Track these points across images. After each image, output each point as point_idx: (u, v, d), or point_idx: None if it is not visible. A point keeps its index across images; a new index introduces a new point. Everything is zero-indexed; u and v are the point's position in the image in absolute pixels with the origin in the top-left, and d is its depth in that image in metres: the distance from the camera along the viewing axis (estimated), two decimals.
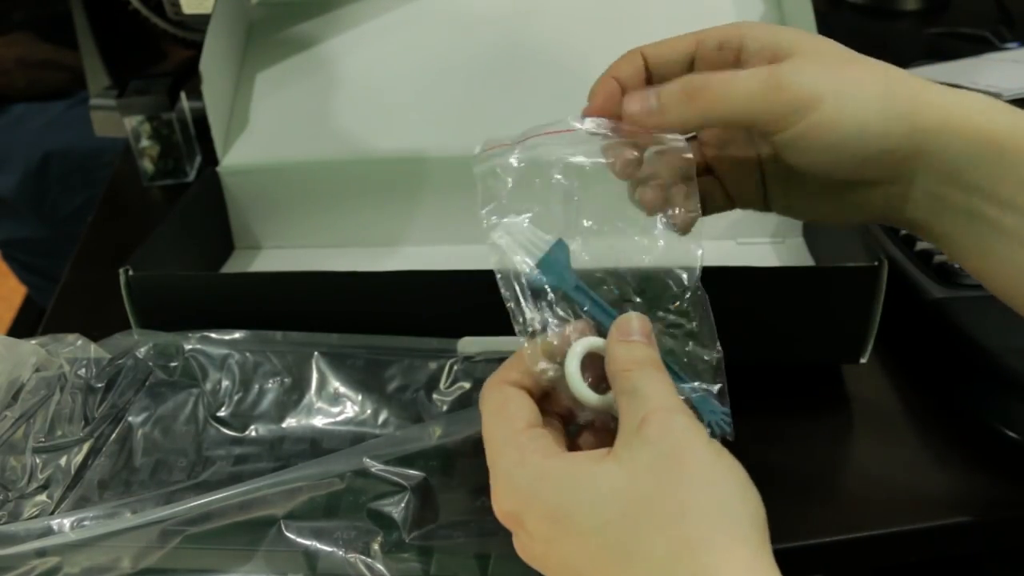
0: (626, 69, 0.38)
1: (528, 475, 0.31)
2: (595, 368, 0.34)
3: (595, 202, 0.37)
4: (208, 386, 0.47)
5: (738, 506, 0.29)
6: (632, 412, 0.31)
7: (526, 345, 0.34)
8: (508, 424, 0.33)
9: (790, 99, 0.34)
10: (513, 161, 0.36)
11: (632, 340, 0.33)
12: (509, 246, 0.35)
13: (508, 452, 0.32)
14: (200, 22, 0.79)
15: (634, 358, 0.32)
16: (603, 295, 0.35)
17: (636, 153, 0.37)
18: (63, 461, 0.44)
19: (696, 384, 0.34)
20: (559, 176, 0.36)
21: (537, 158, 0.36)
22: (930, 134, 0.34)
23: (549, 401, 0.35)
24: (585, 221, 0.36)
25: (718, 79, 0.34)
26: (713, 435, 0.33)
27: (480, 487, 0.41)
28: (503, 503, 0.32)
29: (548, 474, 0.31)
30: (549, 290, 0.35)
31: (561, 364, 0.34)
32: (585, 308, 0.35)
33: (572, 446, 0.35)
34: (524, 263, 0.35)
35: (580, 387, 0.33)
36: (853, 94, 0.34)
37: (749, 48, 0.36)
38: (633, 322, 0.34)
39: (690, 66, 0.38)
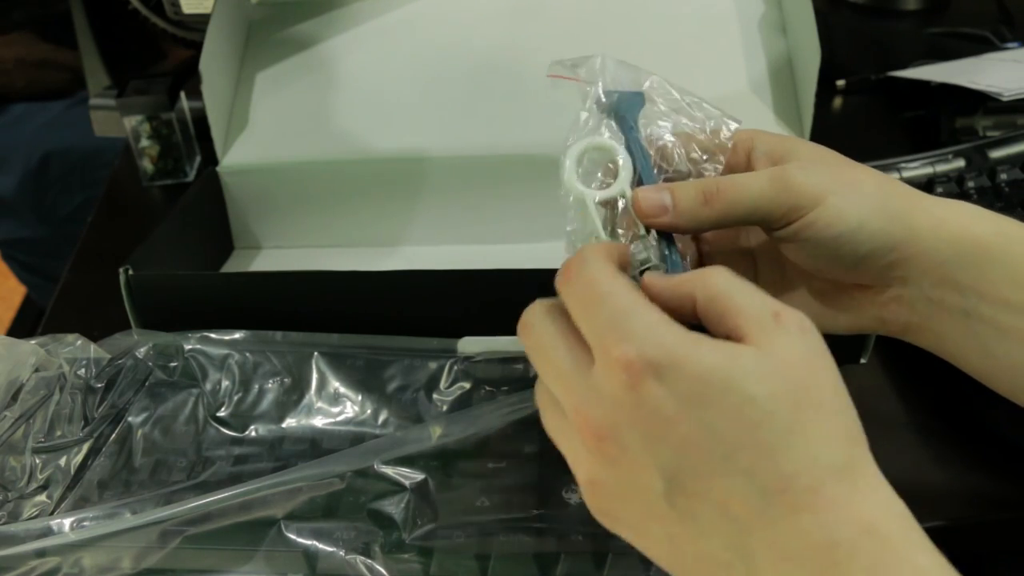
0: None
1: (674, 336, 0.28)
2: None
3: None
4: (208, 386, 0.47)
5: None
6: (756, 305, 0.29)
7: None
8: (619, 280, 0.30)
9: (796, 195, 0.35)
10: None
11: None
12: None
13: (631, 300, 0.29)
14: (200, 22, 0.79)
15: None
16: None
17: None
18: (63, 461, 0.44)
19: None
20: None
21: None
22: (923, 235, 0.35)
23: None
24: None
25: (730, 183, 0.36)
26: None
27: (480, 487, 0.41)
28: (625, 350, 0.28)
29: (695, 338, 0.28)
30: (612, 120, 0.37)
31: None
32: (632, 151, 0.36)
33: None
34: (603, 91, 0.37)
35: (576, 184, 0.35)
36: (853, 192, 0.35)
37: (758, 149, 0.38)
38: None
39: None
